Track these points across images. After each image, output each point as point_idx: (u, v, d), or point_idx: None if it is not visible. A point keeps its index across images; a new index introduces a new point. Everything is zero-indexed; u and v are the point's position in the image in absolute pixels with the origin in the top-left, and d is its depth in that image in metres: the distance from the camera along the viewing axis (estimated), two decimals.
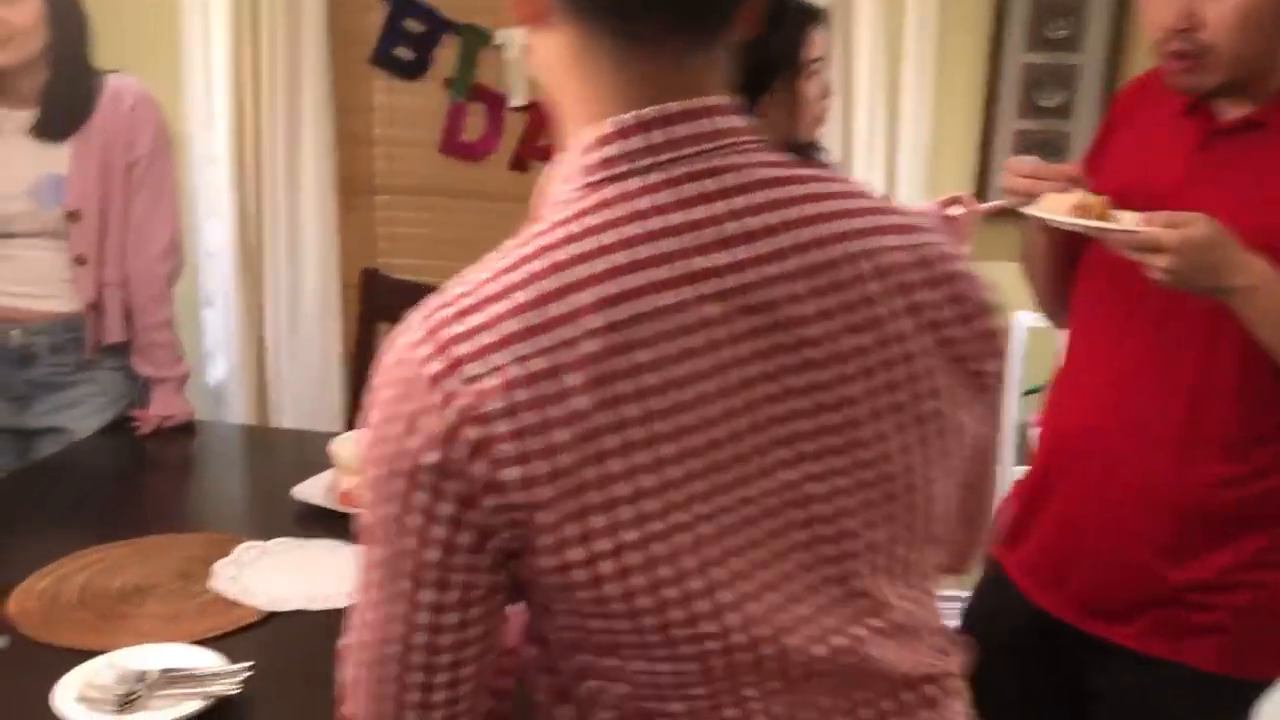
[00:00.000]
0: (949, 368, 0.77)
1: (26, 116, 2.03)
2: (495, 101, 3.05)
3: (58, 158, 2.04)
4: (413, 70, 3.07)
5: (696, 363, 0.70)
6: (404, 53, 3.06)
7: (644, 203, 0.72)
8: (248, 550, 1.63)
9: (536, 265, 0.70)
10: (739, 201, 0.72)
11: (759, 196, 0.73)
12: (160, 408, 2.15)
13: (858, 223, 0.75)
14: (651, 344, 0.69)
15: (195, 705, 1.23)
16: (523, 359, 0.68)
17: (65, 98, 2.03)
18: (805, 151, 1.92)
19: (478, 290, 0.71)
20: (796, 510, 0.73)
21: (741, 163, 0.74)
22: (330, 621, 1.45)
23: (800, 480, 0.73)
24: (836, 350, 0.73)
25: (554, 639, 0.77)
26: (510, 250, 0.73)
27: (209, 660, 1.32)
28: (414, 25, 3.03)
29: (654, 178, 0.72)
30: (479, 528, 0.70)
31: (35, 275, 2.06)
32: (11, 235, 2.04)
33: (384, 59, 3.06)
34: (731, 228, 0.72)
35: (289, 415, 3.20)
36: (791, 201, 0.74)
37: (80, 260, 2.07)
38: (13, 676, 1.31)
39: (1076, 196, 1.36)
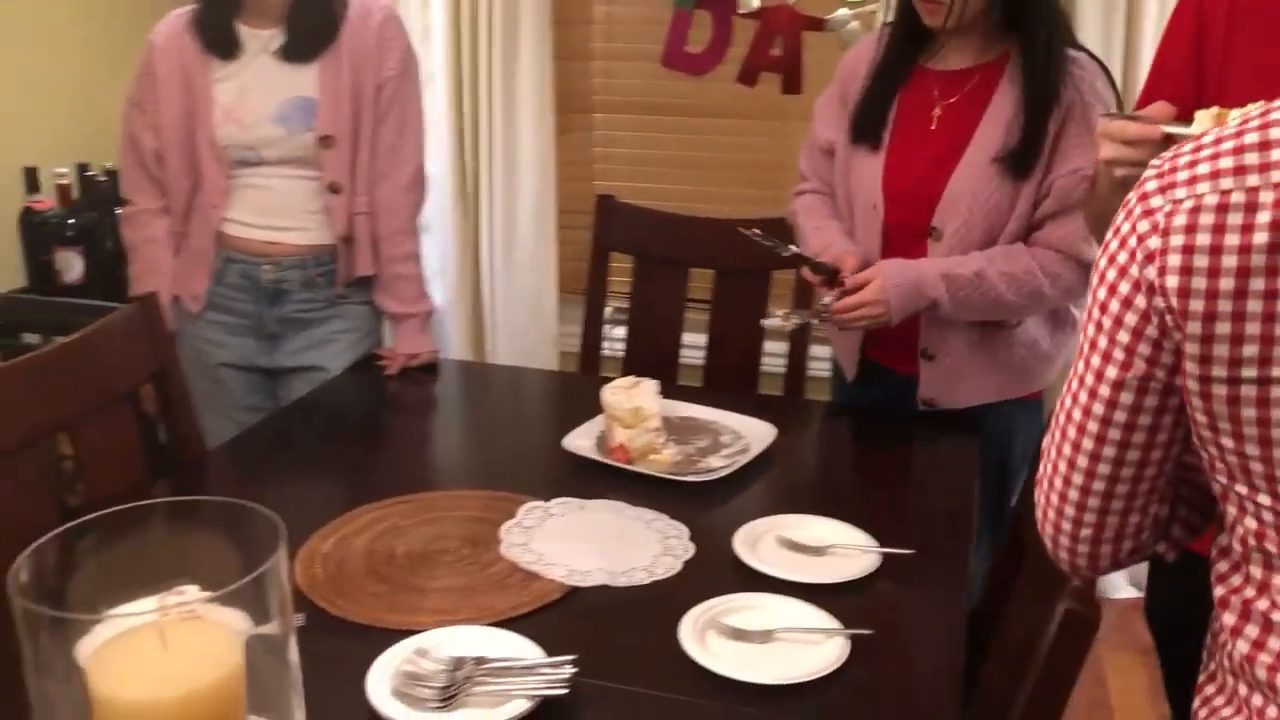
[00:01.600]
0: None
1: (272, 36, 1.91)
2: (724, 8, 2.81)
3: (306, 80, 1.91)
4: None
5: None
6: None
7: None
8: (531, 511, 1.50)
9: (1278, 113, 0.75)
10: None
11: None
12: (407, 345, 2.04)
13: None
14: None
15: (523, 705, 1.09)
16: (1224, 191, 0.75)
17: (312, 14, 1.90)
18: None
19: (1227, 128, 0.78)
20: None
21: None
22: (637, 600, 1.31)
23: None
24: None
25: (1205, 458, 0.83)
26: None
27: (523, 648, 1.19)
28: None
29: None
30: (1159, 326, 0.79)
31: (285, 206, 1.96)
32: (260, 163, 1.94)
33: None
34: None
35: (503, 347, 3.10)
36: None
37: (335, 188, 1.95)
38: (318, 660, 1.19)
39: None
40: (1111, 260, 0.82)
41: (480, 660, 1.15)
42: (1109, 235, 0.83)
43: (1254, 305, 0.74)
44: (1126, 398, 0.83)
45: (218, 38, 1.91)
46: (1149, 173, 0.82)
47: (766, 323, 1.83)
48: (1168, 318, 0.78)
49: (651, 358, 2.26)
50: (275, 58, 1.91)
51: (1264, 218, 0.73)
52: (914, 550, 1.39)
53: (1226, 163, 0.75)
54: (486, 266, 3.04)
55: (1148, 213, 0.79)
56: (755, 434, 1.74)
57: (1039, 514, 0.94)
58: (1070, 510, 0.90)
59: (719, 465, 1.64)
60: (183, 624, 0.83)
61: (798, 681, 1.15)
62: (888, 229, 1.76)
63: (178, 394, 1.73)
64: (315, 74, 1.91)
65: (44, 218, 2.55)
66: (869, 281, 1.69)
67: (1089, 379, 0.85)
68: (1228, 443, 0.79)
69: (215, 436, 1.90)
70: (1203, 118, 1.18)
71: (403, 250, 2.03)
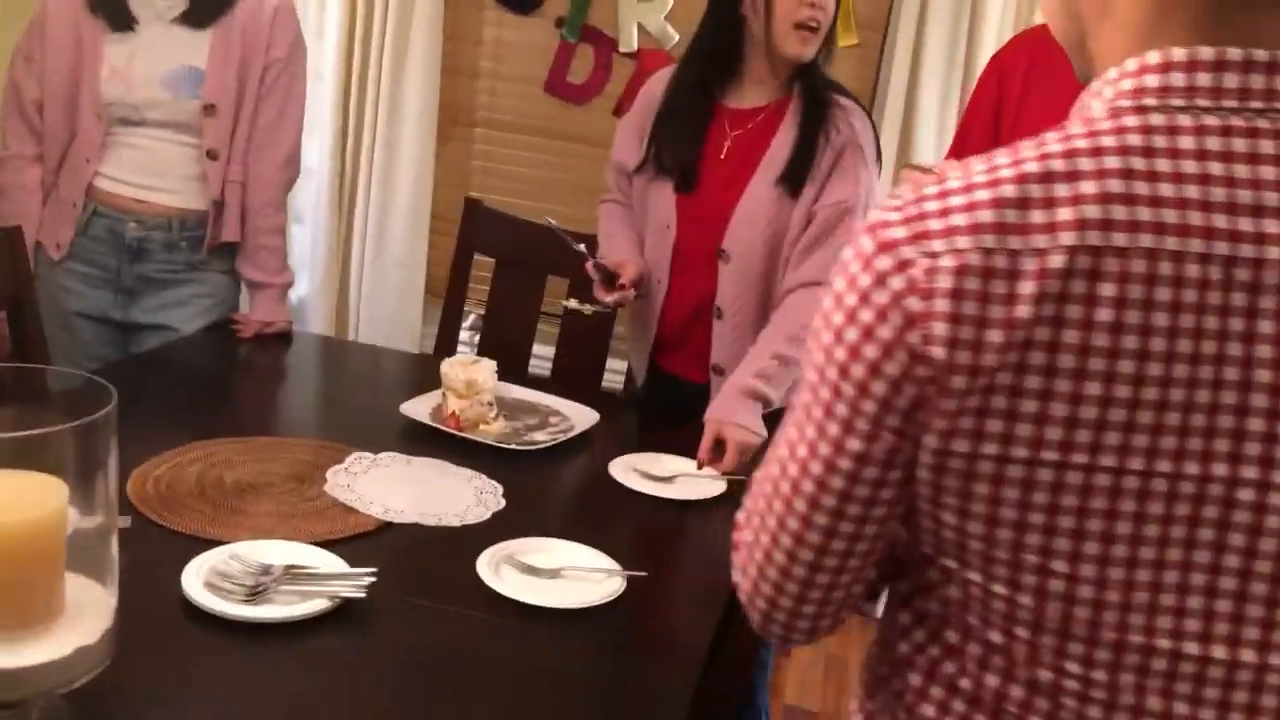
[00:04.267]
0: None
1: (170, 6, 2.01)
2: (605, 45, 3.01)
3: (197, 49, 2.02)
4: (526, 5, 3.03)
5: (1157, 316, 0.67)
6: None
7: (1186, 142, 0.69)
8: (359, 460, 1.62)
9: (1031, 167, 0.70)
10: (1269, 172, 0.68)
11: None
12: (262, 313, 2.14)
13: None
14: (1118, 280, 0.67)
15: (321, 604, 1.21)
16: (987, 251, 0.69)
17: None
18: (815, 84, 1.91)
19: (968, 174, 0.72)
20: (1213, 508, 0.69)
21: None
22: (444, 538, 1.44)
23: (1230, 479, 0.69)
24: None
25: (913, 535, 0.79)
26: (1017, 148, 0.72)
27: (331, 561, 1.31)
28: None
29: (1210, 120, 0.69)
30: (915, 397, 0.71)
31: (160, 167, 2.05)
32: (142, 123, 2.03)
33: None
34: (1246, 196, 0.68)
35: (365, 339, 3.19)
36: None
37: (212, 155, 2.06)
38: (137, 559, 1.29)
39: None
40: (851, 318, 0.73)
41: (290, 567, 1.27)
42: (842, 285, 0.74)
43: (1004, 378, 0.68)
44: (870, 472, 0.75)
45: (112, 13, 1.99)
46: (887, 214, 0.73)
47: (566, 303, 2.01)
48: (929, 388, 0.70)
49: (500, 362, 2.38)
50: (171, 24, 2.00)
51: (1026, 288, 0.67)
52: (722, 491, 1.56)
53: (986, 216, 0.69)
54: (356, 262, 3.15)
55: (901, 266, 0.70)
56: (580, 416, 1.90)
57: (745, 587, 0.86)
58: (791, 586, 0.82)
59: (543, 439, 1.79)
60: (10, 475, 0.93)
61: (573, 607, 1.30)
62: (679, 249, 1.97)
63: (32, 325, 1.80)
64: (206, 44, 2.02)
65: None
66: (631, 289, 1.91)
67: (823, 448, 0.76)
68: (948, 518, 0.74)
69: None
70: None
71: (270, 223, 2.14)
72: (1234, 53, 0.69)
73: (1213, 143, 0.68)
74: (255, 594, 1.22)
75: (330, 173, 3.07)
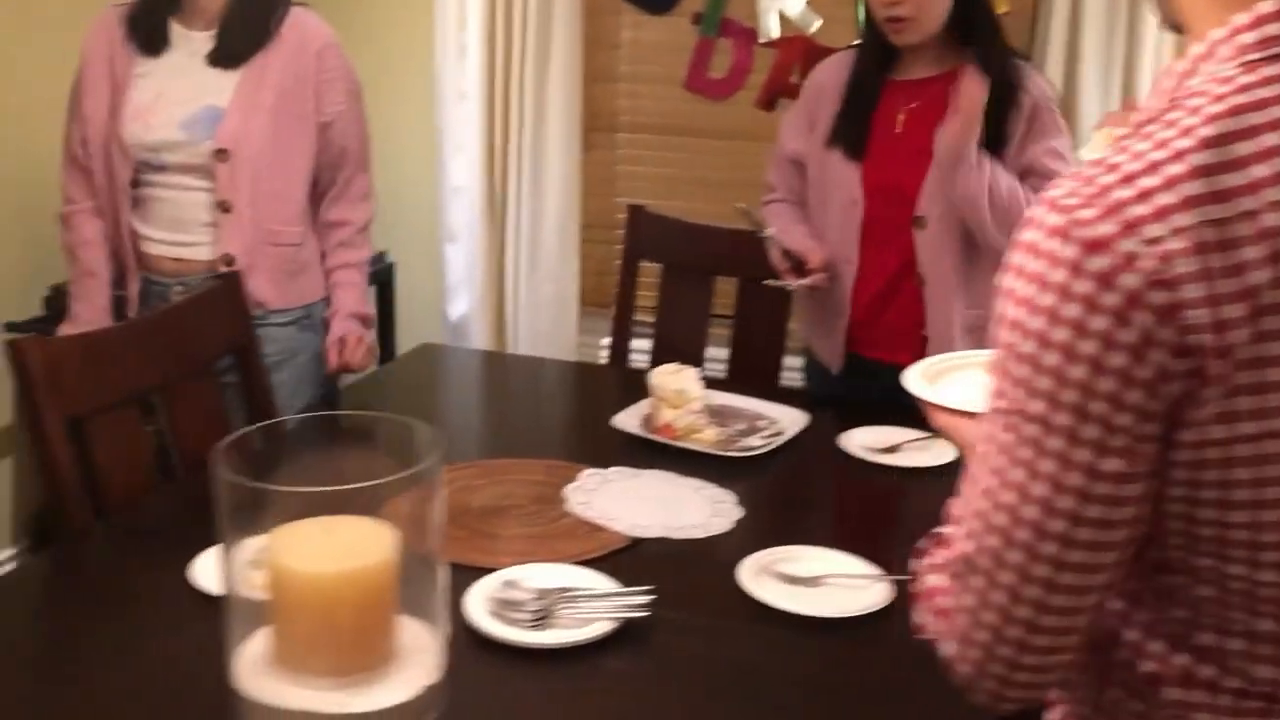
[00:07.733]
0: None
1: (204, 40, 1.87)
2: (745, 37, 2.98)
3: (222, 89, 1.86)
4: (661, 5, 3.02)
5: None
6: None
7: None
8: (591, 476, 1.62)
9: (1208, 131, 0.68)
10: None
11: None
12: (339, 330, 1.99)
13: None
14: None
15: (606, 626, 1.21)
16: (1214, 223, 0.66)
17: (249, 20, 1.86)
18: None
19: (1142, 156, 0.69)
20: None
21: None
22: (694, 551, 1.44)
23: None
24: None
25: (1156, 526, 0.75)
26: (1167, 124, 0.70)
27: (600, 582, 1.31)
28: None
29: None
30: (1147, 384, 0.68)
31: (182, 218, 1.89)
32: (162, 168, 1.88)
33: None
34: None
35: (524, 352, 3.22)
36: None
37: (224, 206, 1.87)
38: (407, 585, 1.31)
39: None
40: (1081, 329, 0.68)
41: (564, 590, 1.27)
42: (1050, 299, 0.69)
43: (1252, 350, 0.67)
44: (1133, 489, 0.70)
45: (149, 33, 1.86)
46: (1071, 211, 0.69)
47: (768, 283, 2.04)
48: (1192, 381, 0.67)
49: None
50: (201, 62, 1.87)
51: (1253, 253, 0.66)
52: None
53: (1192, 188, 0.67)
54: (511, 276, 3.17)
55: (1127, 261, 0.66)
56: (788, 419, 1.87)
57: (973, 656, 0.78)
58: (1042, 639, 0.75)
59: (758, 444, 1.77)
60: (346, 520, 0.95)
61: (846, 616, 1.28)
62: (868, 223, 1.98)
63: (258, 371, 1.84)
64: (233, 84, 1.87)
65: None
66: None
67: (1073, 478, 0.70)
68: (1207, 514, 0.71)
69: None
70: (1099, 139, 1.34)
71: (340, 259, 2.03)
72: None
73: None
74: (541, 619, 1.22)
75: (480, 190, 3.10)
